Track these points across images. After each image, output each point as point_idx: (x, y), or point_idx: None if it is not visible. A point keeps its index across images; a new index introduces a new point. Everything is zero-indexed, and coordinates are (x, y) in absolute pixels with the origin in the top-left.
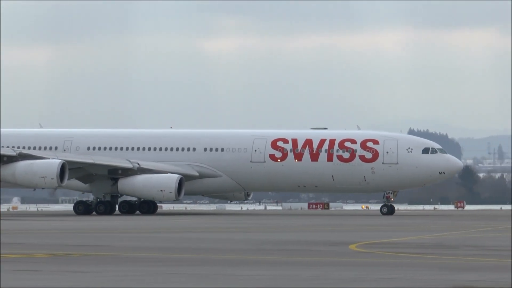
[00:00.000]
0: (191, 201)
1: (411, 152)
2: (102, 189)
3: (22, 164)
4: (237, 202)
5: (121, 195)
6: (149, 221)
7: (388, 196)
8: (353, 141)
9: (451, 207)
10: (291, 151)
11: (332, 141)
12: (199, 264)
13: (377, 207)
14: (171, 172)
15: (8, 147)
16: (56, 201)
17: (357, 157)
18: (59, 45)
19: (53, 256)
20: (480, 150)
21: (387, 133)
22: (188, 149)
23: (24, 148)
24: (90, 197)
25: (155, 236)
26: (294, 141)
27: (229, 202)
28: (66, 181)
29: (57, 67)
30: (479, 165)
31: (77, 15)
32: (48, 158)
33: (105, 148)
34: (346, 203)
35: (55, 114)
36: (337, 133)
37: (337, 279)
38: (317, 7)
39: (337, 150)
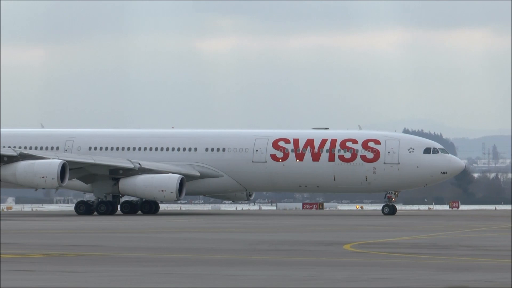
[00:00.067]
0: (186, 201)
1: (412, 152)
2: (103, 189)
3: (23, 164)
4: (240, 202)
5: (122, 195)
6: (148, 221)
7: (389, 196)
8: (354, 141)
9: (446, 207)
10: (292, 151)
11: (333, 141)
12: (193, 264)
13: (372, 207)
14: (172, 172)
15: (9, 147)
16: (51, 201)
17: (358, 157)
18: (56, 45)
19: (48, 256)
20: (474, 150)
21: (389, 133)
22: (190, 149)
23: (26, 148)
24: (86, 197)
25: (151, 236)
26: (296, 141)
27: (230, 202)
28: (66, 181)
29: (55, 67)
30: (474, 165)
31: (75, 15)
32: (49, 158)
33: (106, 148)
34: (341, 203)
35: (55, 114)
36: (339, 133)
37: (331, 279)
38: (315, 7)
39: (339, 150)
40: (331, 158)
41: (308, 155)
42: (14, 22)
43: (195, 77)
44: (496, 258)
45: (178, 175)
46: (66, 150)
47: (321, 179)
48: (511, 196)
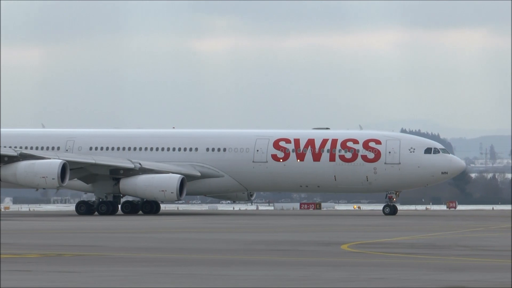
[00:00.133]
0: (183, 201)
1: (413, 152)
2: (104, 189)
3: (23, 164)
4: (241, 202)
5: (123, 195)
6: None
7: (390, 196)
8: (355, 141)
9: (443, 207)
10: (293, 151)
11: (334, 141)
12: (190, 264)
13: (369, 207)
14: (173, 172)
15: (10, 147)
16: (48, 202)
17: (359, 157)
18: (56, 45)
19: (45, 256)
20: (472, 150)
21: (390, 133)
22: (190, 149)
23: (27, 148)
24: (84, 196)
25: (149, 236)
26: (296, 141)
27: (231, 202)
28: (67, 181)
29: (54, 67)
30: (471, 165)
31: (75, 16)
32: (49, 158)
33: (107, 148)
34: (338, 203)
35: (55, 114)
36: (339, 133)
37: (328, 279)
38: (315, 7)
39: (339, 150)
40: (332, 158)
41: (309, 155)
42: (11, 22)
43: (195, 77)
44: (494, 258)
45: (179, 175)
46: (67, 150)
47: (322, 179)
48: (511, 196)
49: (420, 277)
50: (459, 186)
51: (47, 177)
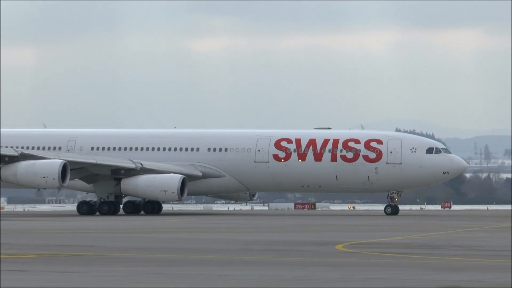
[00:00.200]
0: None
1: (415, 152)
2: (105, 189)
3: (24, 164)
4: (244, 202)
5: (124, 195)
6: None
7: (392, 196)
8: (356, 141)
9: (438, 207)
10: (294, 151)
11: (335, 141)
12: (186, 264)
13: (364, 207)
14: (174, 172)
15: (12, 147)
16: (43, 202)
17: (360, 157)
18: (55, 45)
19: (44, 256)
20: (466, 150)
21: (391, 133)
22: (192, 149)
23: (28, 148)
24: (79, 197)
25: (145, 236)
26: (298, 141)
27: (233, 202)
28: (67, 181)
29: (52, 68)
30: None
31: (74, 15)
32: (50, 158)
33: (109, 148)
34: (333, 203)
35: (55, 115)
36: (341, 133)
37: (323, 279)
38: (314, 7)
39: (341, 150)
40: (333, 158)
41: (310, 155)
42: (10, 22)
43: (196, 78)
44: (488, 258)
45: (180, 175)
46: (68, 150)
47: (323, 179)
48: (511, 196)
49: (415, 277)
50: (454, 186)
51: (47, 177)
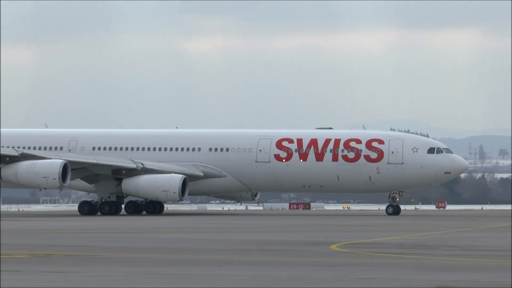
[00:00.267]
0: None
1: (416, 152)
2: (106, 189)
3: (24, 164)
4: (245, 203)
5: (125, 195)
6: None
7: (393, 196)
8: (358, 141)
9: (432, 207)
10: (296, 151)
11: (337, 141)
12: (180, 264)
13: (358, 207)
14: (175, 172)
15: (13, 147)
16: (37, 202)
17: (362, 157)
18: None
19: (34, 257)
20: (461, 150)
21: (393, 133)
22: (193, 149)
23: (29, 148)
24: (73, 197)
25: (140, 236)
26: (299, 141)
27: (234, 202)
28: (68, 181)
29: (52, 68)
30: None
31: (73, 16)
32: (51, 158)
33: (110, 148)
34: (328, 203)
35: (55, 115)
36: (342, 133)
37: (317, 279)
38: (313, 7)
39: (342, 150)
40: (335, 158)
41: (311, 155)
42: (10, 21)
43: (196, 78)
44: (483, 258)
45: (181, 175)
46: (69, 150)
47: (324, 179)
48: (511, 196)
49: (409, 277)
50: (449, 186)
51: (48, 177)
